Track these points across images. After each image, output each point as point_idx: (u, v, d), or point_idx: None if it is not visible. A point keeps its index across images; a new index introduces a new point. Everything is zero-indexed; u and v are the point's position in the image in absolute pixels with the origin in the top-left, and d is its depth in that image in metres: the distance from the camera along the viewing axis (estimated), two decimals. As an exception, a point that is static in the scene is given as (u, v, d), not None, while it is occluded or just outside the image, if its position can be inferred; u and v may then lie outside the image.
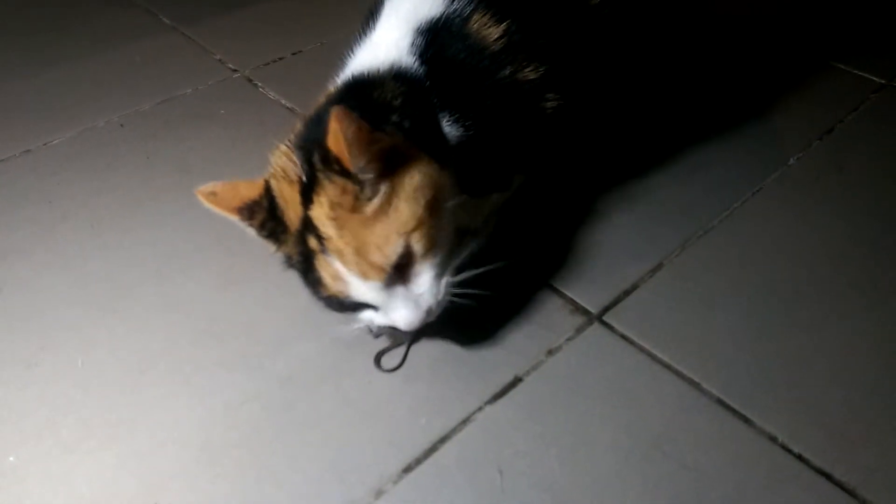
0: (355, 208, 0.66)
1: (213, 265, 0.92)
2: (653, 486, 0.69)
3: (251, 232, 0.72)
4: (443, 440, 0.73)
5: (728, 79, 1.26)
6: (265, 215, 0.71)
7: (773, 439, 0.72)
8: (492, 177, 0.84)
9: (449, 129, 0.77)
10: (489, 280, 0.88)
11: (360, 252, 0.67)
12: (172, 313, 0.86)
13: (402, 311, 0.69)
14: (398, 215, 0.68)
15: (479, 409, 0.75)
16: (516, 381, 0.78)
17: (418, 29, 0.78)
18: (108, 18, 1.46)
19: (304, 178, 0.68)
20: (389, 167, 0.67)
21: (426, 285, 0.70)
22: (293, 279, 0.86)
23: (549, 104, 0.82)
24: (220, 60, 1.33)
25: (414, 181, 0.69)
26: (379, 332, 0.82)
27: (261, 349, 0.82)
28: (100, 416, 0.76)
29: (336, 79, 0.82)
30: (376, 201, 0.67)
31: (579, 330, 0.83)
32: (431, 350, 0.81)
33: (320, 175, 0.66)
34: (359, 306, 0.71)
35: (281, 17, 1.47)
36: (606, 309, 0.86)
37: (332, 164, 0.65)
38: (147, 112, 1.20)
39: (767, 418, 0.74)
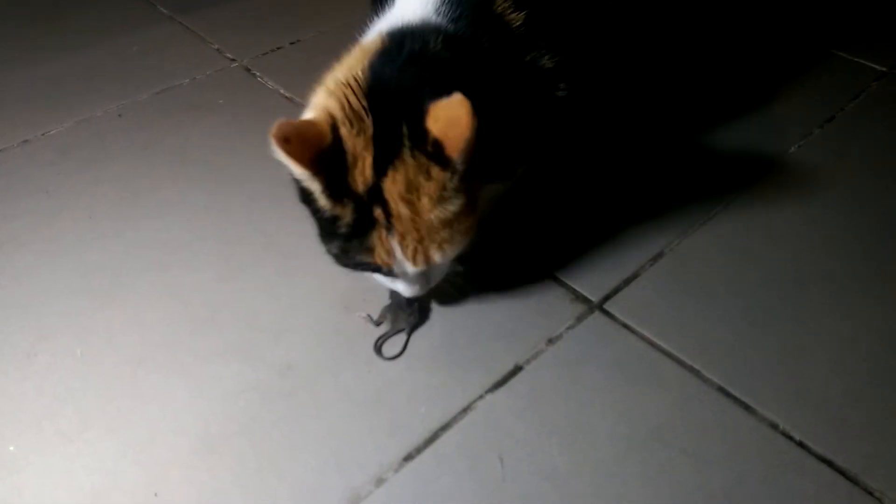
0: (434, 199, 0.64)
1: (211, 255, 0.92)
2: (653, 473, 0.69)
3: (315, 186, 0.65)
4: (443, 428, 0.73)
5: (729, 67, 1.25)
6: (332, 170, 0.64)
7: (774, 427, 0.72)
8: (501, 163, 0.82)
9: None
10: (490, 270, 0.88)
11: (423, 243, 0.66)
12: (171, 303, 0.86)
13: (416, 287, 0.72)
14: (467, 220, 0.68)
15: (480, 397, 0.75)
16: (517, 369, 0.78)
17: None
18: (106, 8, 1.46)
19: (377, 138, 0.64)
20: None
21: (443, 272, 0.74)
22: (292, 269, 0.87)
23: (560, 93, 0.81)
24: (217, 50, 1.32)
25: (481, 188, 0.69)
26: (379, 320, 0.82)
27: (260, 339, 0.82)
28: (99, 406, 0.75)
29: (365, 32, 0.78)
30: (457, 201, 0.66)
31: (580, 318, 0.83)
32: (432, 339, 0.81)
33: (406, 150, 0.64)
34: (372, 268, 0.70)
35: (279, 7, 1.46)
36: (607, 297, 0.85)
37: (427, 146, 0.63)
38: (145, 102, 1.20)
39: (768, 406, 0.74)
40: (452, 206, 0.66)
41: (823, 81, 1.20)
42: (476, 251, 0.79)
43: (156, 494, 0.68)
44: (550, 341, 0.81)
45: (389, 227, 0.65)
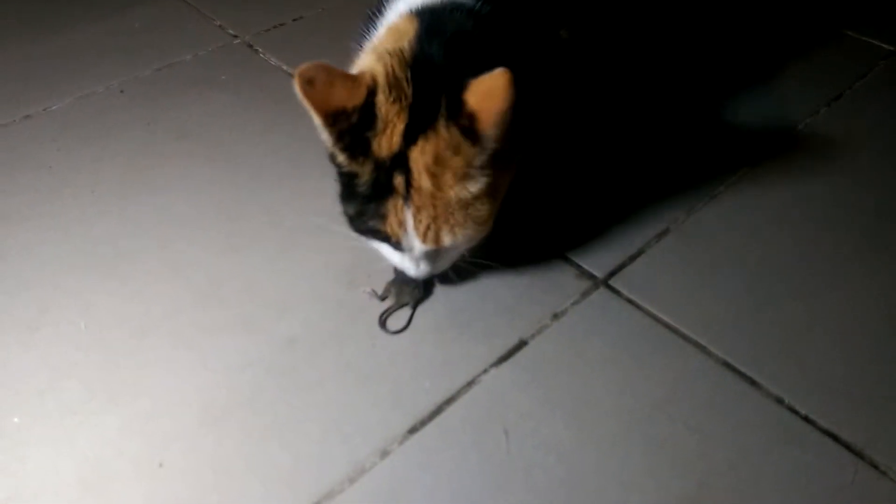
0: (458, 175, 0.64)
1: (214, 230, 0.91)
2: (657, 447, 0.69)
3: (325, 135, 0.65)
4: (448, 402, 0.72)
5: (738, 45, 1.24)
6: (354, 127, 0.64)
7: (779, 401, 0.72)
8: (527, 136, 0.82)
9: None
10: (497, 245, 0.88)
11: (437, 221, 0.66)
12: (174, 277, 0.86)
13: (423, 268, 0.71)
14: (485, 207, 0.67)
15: (485, 371, 0.75)
16: (521, 344, 0.78)
17: None
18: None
19: (413, 109, 0.64)
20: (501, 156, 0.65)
21: (451, 260, 0.74)
22: (296, 243, 0.86)
23: (578, 64, 0.81)
24: (220, 26, 1.31)
25: (507, 179, 0.69)
26: (384, 294, 0.81)
27: (263, 312, 0.81)
28: (102, 379, 0.75)
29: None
30: (479, 183, 0.65)
31: (585, 294, 0.83)
32: (436, 313, 0.81)
33: (441, 122, 0.63)
34: (382, 237, 0.69)
35: (282, -17, 1.45)
36: (612, 273, 0.85)
37: (462, 119, 0.62)
38: (147, 78, 1.19)
39: (773, 380, 0.74)
40: (474, 187, 0.65)
41: (831, 60, 1.19)
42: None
43: (160, 465, 0.68)
44: (555, 316, 0.80)
45: (407, 198, 0.65)
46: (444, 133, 0.63)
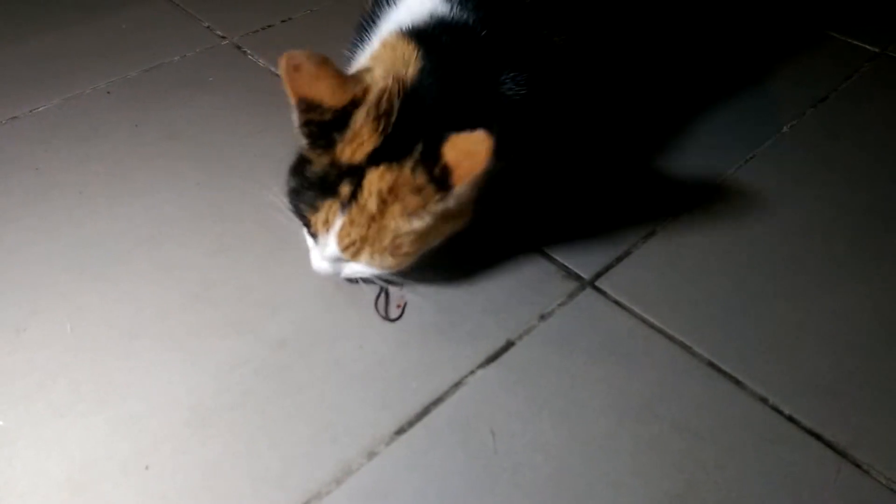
0: (407, 212, 0.66)
1: (203, 231, 0.91)
2: (644, 447, 0.69)
3: (294, 118, 0.67)
4: (435, 402, 0.73)
5: (724, 47, 1.25)
6: (322, 122, 0.66)
7: (763, 401, 0.73)
8: (526, 138, 0.82)
9: (504, 88, 0.74)
10: (483, 246, 0.88)
11: (363, 241, 0.68)
12: (163, 279, 0.85)
13: (325, 266, 0.73)
14: (414, 246, 0.69)
15: (472, 372, 0.75)
16: (509, 345, 0.78)
17: None
18: (95, -15, 1.44)
19: (388, 138, 0.66)
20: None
21: (358, 274, 0.75)
22: (284, 245, 0.87)
23: (570, 70, 0.81)
24: (208, 28, 1.31)
25: (450, 228, 0.71)
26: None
27: (252, 314, 0.81)
28: (91, 381, 0.75)
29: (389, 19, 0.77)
30: (423, 224, 0.67)
31: (571, 295, 0.83)
32: (424, 314, 0.81)
33: (409, 161, 0.65)
34: (305, 221, 0.71)
35: (270, -16, 1.44)
36: (599, 275, 0.86)
37: (436, 169, 0.64)
38: (134, 79, 1.18)
39: (758, 380, 0.74)
40: (416, 225, 0.67)
41: (817, 62, 1.20)
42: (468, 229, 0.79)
43: (147, 467, 0.68)
44: (542, 317, 0.81)
45: (345, 207, 0.66)
46: (410, 173, 0.65)
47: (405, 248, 0.69)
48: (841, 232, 0.91)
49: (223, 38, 1.28)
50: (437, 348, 0.78)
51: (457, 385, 0.74)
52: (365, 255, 0.69)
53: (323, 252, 0.71)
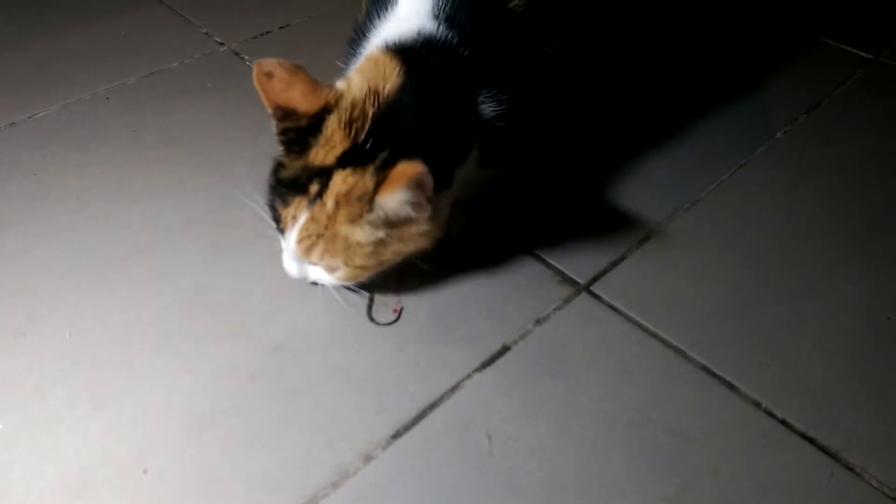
0: (350, 219, 0.68)
1: (200, 237, 0.92)
2: (639, 450, 0.70)
3: (273, 127, 0.70)
4: (431, 407, 0.73)
5: (717, 53, 1.26)
6: (299, 128, 0.69)
7: (756, 405, 0.73)
8: (511, 149, 0.83)
9: (483, 107, 0.76)
10: (479, 251, 0.89)
11: (317, 239, 0.70)
12: (160, 284, 0.86)
13: (291, 264, 0.75)
14: (361, 260, 0.71)
15: (468, 376, 0.76)
16: (504, 349, 0.79)
17: None
18: (93, -9, 1.45)
19: (357, 148, 0.68)
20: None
21: (322, 281, 0.76)
22: (281, 250, 0.87)
23: (562, 78, 0.83)
24: (206, 34, 1.32)
25: (402, 252, 0.73)
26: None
27: (249, 319, 0.82)
28: (88, 386, 0.76)
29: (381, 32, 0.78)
30: (367, 238, 0.69)
31: (567, 300, 0.84)
32: (420, 319, 0.82)
33: (370, 168, 0.67)
34: (275, 216, 0.73)
35: (268, -9, 1.45)
36: (594, 279, 0.86)
37: (379, 181, 0.67)
38: (133, 85, 1.19)
39: (751, 384, 0.75)
40: (360, 237, 0.69)
41: (810, 68, 1.21)
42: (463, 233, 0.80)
43: (145, 471, 0.68)
44: (538, 322, 0.81)
45: (311, 204, 0.68)
46: (364, 179, 0.67)
47: (358, 261, 0.71)
48: (834, 237, 0.91)
49: (221, 44, 1.29)
50: (434, 352, 0.78)
51: (453, 389, 0.75)
52: (316, 254, 0.71)
53: (287, 250, 0.73)
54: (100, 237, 0.92)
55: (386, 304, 0.83)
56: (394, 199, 0.66)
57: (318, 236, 0.69)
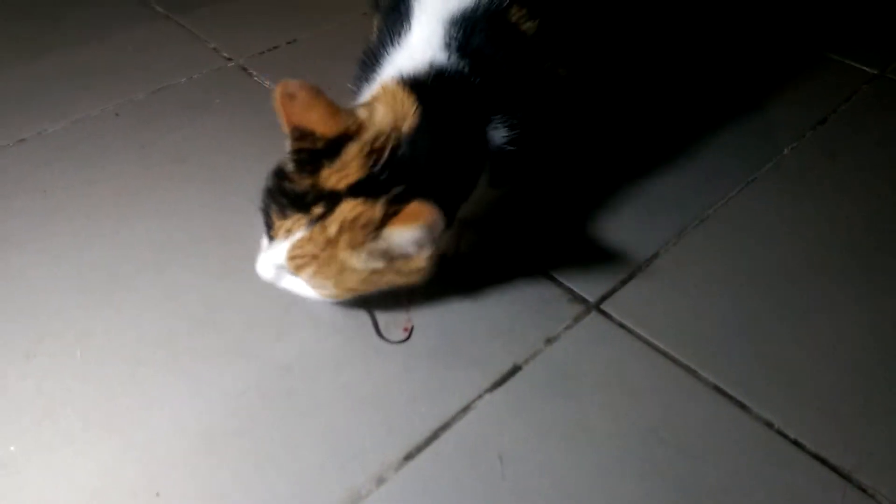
0: (353, 245, 0.69)
1: (209, 254, 0.92)
2: (651, 471, 0.70)
3: (286, 145, 0.70)
4: (443, 428, 0.73)
5: (723, 70, 1.26)
6: (315, 150, 0.69)
7: (769, 425, 0.73)
8: (522, 169, 0.84)
9: (493, 132, 0.76)
10: (489, 270, 0.89)
11: (311, 259, 0.70)
12: (170, 303, 0.86)
13: (268, 271, 0.74)
14: (352, 284, 0.72)
15: (479, 396, 0.76)
16: (515, 369, 0.79)
17: (453, 20, 0.75)
18: (101, 6, 1.45)
19: (372, 179, 0.68)
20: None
21: (294, 290, 0.75)
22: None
23: (575, 100, 0.83)
24: (214, 49, 1.32)
25: (394, 282, 0.73)
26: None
27: (259, 338, 0.82)
28: (99, 407, 0.76)
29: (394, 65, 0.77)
30: (362, 266, 0.70)
31: (577, 319, 0.84)
32: (430, 339, 0.82)
33: (381, 200, 0.68)
34: (266, 222, 0.73)
35: (276, 6, 1.46)
36: (604, 298, 0.86)
37: (391, 213, 0.68)
38: (141, 101, 1.19)
39: (763, 404, 0.75)
40: (357, 264, 0.69)
41: (816, 83, 1.22)
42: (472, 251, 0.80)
43: (157, 494, 0.68)
44: (548, 341, 0.81)
45: (310, 225, 0.68)
46: (374, 209, 0.68)
47: (350, 284, 0.72)
48: (841, 253, 0.92)
49: (229, 59, 1.29)
50: (444, 373, 0.78)
51: (464, 410, 0.75)
52: (307, 273, 0.71)
53: (269, 257, 0.73)
54: (108, 255, 0.92)
55: (396, 322, 0.83)
56: (403, 236, 0.67)
57: (313, 257, 0.69)
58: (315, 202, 0.69)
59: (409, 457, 0.71)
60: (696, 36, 1.34)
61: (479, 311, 0.85)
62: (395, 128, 0.70)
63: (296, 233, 0.69)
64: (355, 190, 0.68)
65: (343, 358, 0.80)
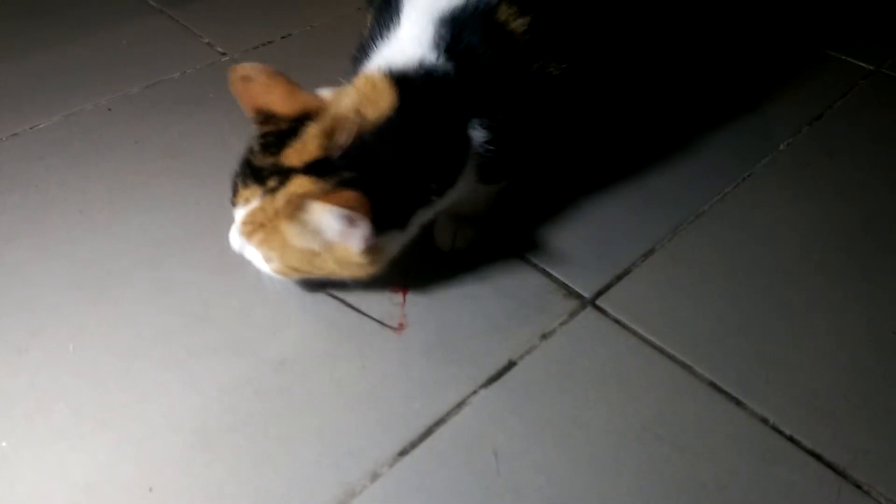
0: (287, 217, 0.70)
1: (204, 250, 0.91)
2: (646, 467, 0.70)
3: (252, 129, 0.73)
4: (438, 423, 0.73)
5: (719, 65, 1.26)
6: (279, 131, 0.71)
7: (764, 421, 0.73)
8: (509, 167, 0.83)
9: (474, 133, 0.76)
10: (483, 264, 0.89)
11: (259, 227, 0.71)
12: (164, 299, 0.86)
13: (235, 239, 0.76)
14: (292, 260, 0.73)
15: (474, 392, 0.76)
16: (510, 364, 0.78)
17: (442, 19, 0.74)
18: (95, 1, 1.44)
19: (327, 161, 0.69)
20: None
21: (256, 264, 0.77)
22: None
23: (568, 99, 0.82)
24: (208, 44, 1.31)
25: (331, 269, 0.73)
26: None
27: (254, 334, 0.82)
28: (92, 402, 0.75)
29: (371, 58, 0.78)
30: (300, 241, 0.70)
31: (573, 314, 0.84)
32: (425, 335, 0.81)
33: (329, 181, 0.68)
34: (234, 191, 0.75)
35: (269, 1, 1.45)
36: (599, 293, 0.86)
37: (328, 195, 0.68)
38: (135, 96, 1.19)
39: (759, 400, 0.75)
40: (293, 240, 0.70)
41: (812, 79, 1.22)
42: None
43: (150, 489, 0.68)
44: (544, 337, 0.81)
45: (265, 195, 0.70)
46: (318, 186, 0.68)
47: (293, 261, 0.73)
48: (837, 249, 0.91)
49: (223, 54, 1.29)
50: (440, 368, 0.78)
51: (459, 405, 0.75)
52: (255, 241, 0.73)
53: (235, 225, 0.75)
54: (102, 250, 0.92)
55: (391, 318, 0.83)
56: (318, 214, 0.67)
57: (261, 225, 0.71)
58: (271, 175, 0.70)
59: (403, 452, 0.71)
60: (692, 32, 1.33)
61: (474, 307, 0.84)
62: (360, 114, 0.70)
63: (252, 202, 0.71)
64: (309, 168, 0.69)
65: (338, 354, 0.80)
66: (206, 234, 0.93)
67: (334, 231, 0.68)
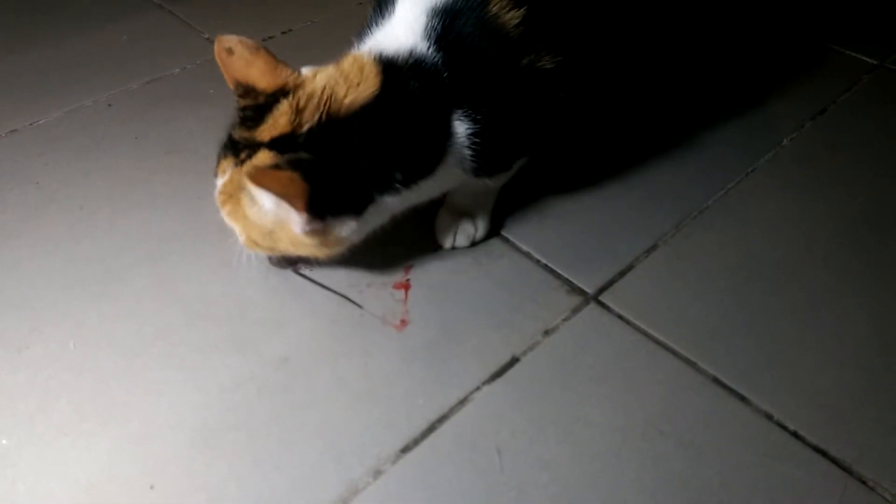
0: (241, 189, 0.73)
1: (205, 246, 0.91)
2: (650, 463, 0.69)
3: (233, 102, 0.74)
4: (441, 420, 0.73)
5: (723, 60, 1.26)
6: (257, 105, 0.72)
7: (768, 417, 0.73)
8: (498, 161, 0.83)
9: (459, 124, 0.75)
10: (485, 260, 0.88)
11: (229, 197, 0.74)
12: (165, 295, 0.85)
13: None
14: (253, 233, 0.75)
15: (477, 389, 0.75)
16: (513, 361, 0.78)
17: (435, 9, 0.74)
18: (95, -4, 1.44)
19: (293, 137, 0.69)
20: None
21: (234, 232, 0.79)
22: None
23: (561, 93, 0.81)
24: (208, 39, 1.31)
25: (290, 246, 0.75)
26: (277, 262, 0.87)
27: (256, 331, 0.81)
28: (93, 400, 0.75)
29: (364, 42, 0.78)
30: (257, 217, 0.73)
31: (576, 310, 0.83)
32: (428, 331, 0.81)
33: (286, 157, 0.68)
34: (219, 159, 0.77)
35: (270, -4, 1.45)
36: (602, 289, 0.86)
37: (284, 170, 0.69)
38: (135, 91, 1.18)
39: (763, 396, 0.74)
40: (251, 214, 0.72)
41: (816, 74, 1.21)
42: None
43: (151, 487, 0.68)
44: (547, 333, 0.81)
45: (236, 166, 0.73)
46: (272, 161, 0.68)
47: (253, 234, 0.75)
48: (841, 244, 0.91)
49: (223, 50, 1.28)
50: (442, 365, 0.78)
51: (462, 402, 0.74)
52: (225, 211, 0.76)
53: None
54: (103, 247, 0.91)
55: (394, 314, 0.82)
56: (254, 192, 0.69)
57: (230, 196, 0.74)
58: (244, 149, 0.72)
59: (406, 449, 0.70)
60: (694, 27, 1.33)
61: (477, 303, 0.84)
62: (333, 93, 0.70)
63: (227, 173, 0.74)
64: (274, 143, 0.70)
65: (340, 350, 0.79)
66: (207, 230, 0.93)
67: (270, 211, 0.70)
